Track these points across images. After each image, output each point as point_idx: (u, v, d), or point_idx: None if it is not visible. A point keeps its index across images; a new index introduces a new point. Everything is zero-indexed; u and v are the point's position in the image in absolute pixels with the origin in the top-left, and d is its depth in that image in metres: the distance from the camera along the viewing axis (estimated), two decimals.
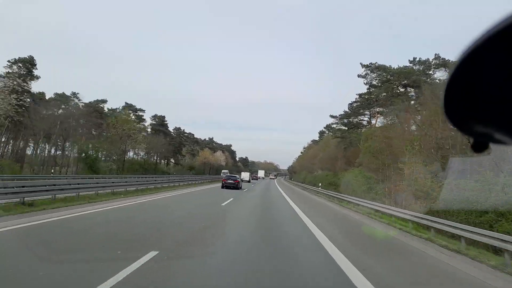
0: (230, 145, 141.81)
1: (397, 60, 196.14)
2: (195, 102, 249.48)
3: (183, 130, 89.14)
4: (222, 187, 33.50)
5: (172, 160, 78.24)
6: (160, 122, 71.69)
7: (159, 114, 72.15)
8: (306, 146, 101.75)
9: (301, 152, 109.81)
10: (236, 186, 33.65)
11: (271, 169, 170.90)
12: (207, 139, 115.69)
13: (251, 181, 65.69)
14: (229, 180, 34.74)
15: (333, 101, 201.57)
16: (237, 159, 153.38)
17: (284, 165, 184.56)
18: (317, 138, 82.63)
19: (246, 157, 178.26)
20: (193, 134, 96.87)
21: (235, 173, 53.68)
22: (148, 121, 67.93)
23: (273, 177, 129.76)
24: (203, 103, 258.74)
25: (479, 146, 0.77)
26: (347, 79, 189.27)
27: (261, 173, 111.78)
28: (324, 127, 70.59)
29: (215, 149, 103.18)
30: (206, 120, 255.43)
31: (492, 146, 0.76)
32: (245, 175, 61.43)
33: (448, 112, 0.73)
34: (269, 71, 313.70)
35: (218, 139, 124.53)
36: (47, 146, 46.20)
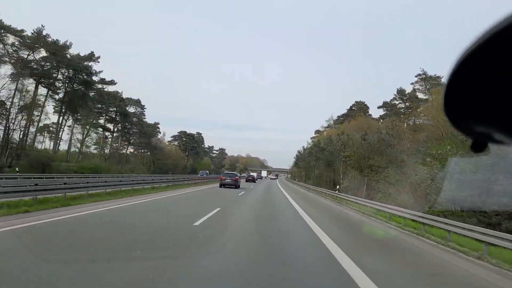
0: (138, 100, 66.57)
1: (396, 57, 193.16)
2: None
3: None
4: (246, 181, 52.26)
5: None
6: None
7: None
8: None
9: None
10: (254, 180, 56.27)
11: (256, 166, 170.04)
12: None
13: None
14: (249, 177, 59.23)
15: (329, 101, 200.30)
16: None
17: (273, 163, 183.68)
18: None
19: (201, 137, 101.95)
20: None
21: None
22: None
23: (274, 177, 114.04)
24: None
25: (478, 146, 0.76)
26: (343, 78, 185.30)
27: (264, 173, 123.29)
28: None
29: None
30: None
31: (491, 146, 0.76)
32: (253, 174, 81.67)
33: (447, 111, 0.73)
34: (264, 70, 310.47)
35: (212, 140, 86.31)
36: None
